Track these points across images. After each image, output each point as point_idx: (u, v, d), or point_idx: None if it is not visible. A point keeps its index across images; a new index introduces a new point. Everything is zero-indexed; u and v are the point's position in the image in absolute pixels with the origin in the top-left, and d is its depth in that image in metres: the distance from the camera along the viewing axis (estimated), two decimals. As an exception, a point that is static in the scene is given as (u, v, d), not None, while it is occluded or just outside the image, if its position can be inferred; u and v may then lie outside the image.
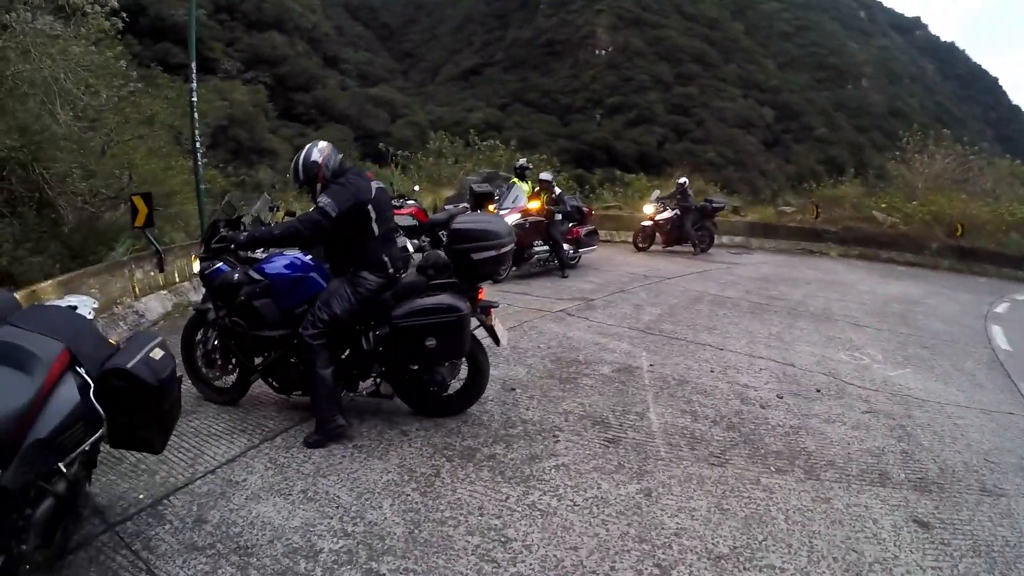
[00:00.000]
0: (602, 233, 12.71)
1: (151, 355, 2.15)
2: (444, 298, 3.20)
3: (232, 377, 3.60)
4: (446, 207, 9.76)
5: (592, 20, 79.33)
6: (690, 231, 11.18)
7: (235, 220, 3.64)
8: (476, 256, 3.23)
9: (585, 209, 9.33)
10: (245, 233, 3.33)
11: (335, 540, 2.36)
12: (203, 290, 3.67)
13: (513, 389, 4.01)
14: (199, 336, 3.63)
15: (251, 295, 3.30)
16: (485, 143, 16.28)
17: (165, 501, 2.60)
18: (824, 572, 2.32)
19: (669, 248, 11.48)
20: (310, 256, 3.40)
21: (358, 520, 2.50)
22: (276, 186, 13.67)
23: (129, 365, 2.06)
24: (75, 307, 2.32)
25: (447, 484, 2.80)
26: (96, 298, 4.81)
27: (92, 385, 2.02)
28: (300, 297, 3.30)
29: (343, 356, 3.35)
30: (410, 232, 7.35)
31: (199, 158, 7.00)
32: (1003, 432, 3.89)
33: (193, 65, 7.03)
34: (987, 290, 10.13)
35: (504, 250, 3.31)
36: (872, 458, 3.33)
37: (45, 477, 1.91)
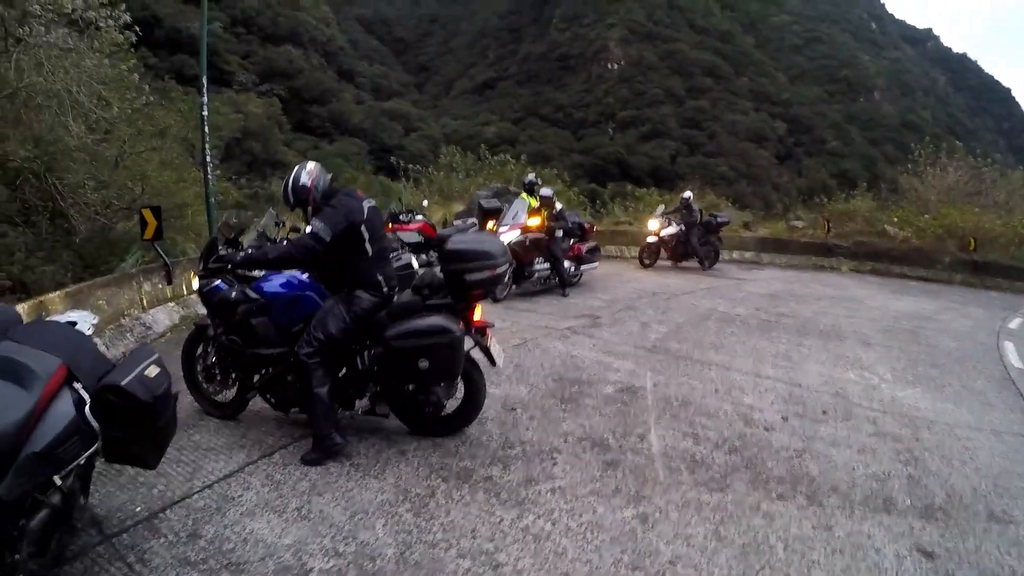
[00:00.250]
0: (612, 249, 12.66)
1: (146, 372, 2.17)
2: (437, 320, 3.18)
3: (232, 392, 3.62)
4: (456, 222, 9.77)
5: (604, 34, 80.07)
6: (696, 246, 10.95)
7: (233, 239, 3.66)
8: (469, 277, 3.20)
9: (587, 225, 9.21)
10: (241, 253, 3.35)
11: (326, 560, 2.35)
12: (206, 305, 3.70)
13: (514, 409, 3.98)
14: (199, 351, 3.65)
15: (248, 313, 3.32)
16: (496, 157, 16.29)
17: (161, 514, 2.62)
18: (823, 604, 2.26)
19: (678, 264, 11.27)
20: (307, 275, 3.41)
21: (350, 540, 2.48)
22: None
23: (124, 382, 2.08)
24: (75, 323, 2.35)
25: (441, 505, 2.79)
26: (104, 310, 4.90)
27: (88, 401, 2.05)
28: (297, 315, 3.31)
29: (339, 375, 3.35)
30: (416, 248, 7.32)
31: (210, 171, 7.10)
32: (1013, 455, 3.79)
33: (204, 79, 7.16)
34: (1000, 305, 9.95)
35: (499, 271, 3.27)
36: (877, 483, 3.25)
37: (41, 489, 1.95)
